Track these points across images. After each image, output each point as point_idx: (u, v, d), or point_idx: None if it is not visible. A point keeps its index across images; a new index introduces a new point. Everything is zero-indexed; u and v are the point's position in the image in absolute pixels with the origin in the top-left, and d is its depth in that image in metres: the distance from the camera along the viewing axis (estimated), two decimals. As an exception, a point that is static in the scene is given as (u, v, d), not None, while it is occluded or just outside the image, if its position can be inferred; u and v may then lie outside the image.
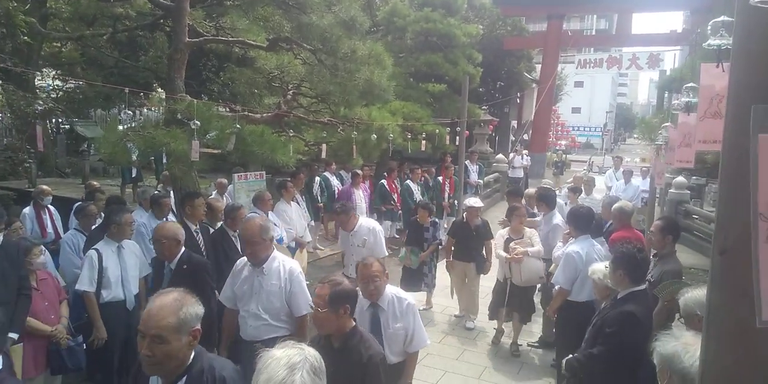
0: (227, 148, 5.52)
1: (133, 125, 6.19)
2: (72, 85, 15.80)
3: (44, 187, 6.85)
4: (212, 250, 4.97)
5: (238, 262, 3.79)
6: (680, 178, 11.20)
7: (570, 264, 4.37)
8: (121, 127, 5.87)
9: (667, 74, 19.83)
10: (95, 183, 7.90)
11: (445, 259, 6.50)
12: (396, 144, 9.60)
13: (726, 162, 1.08)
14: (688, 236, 9.75)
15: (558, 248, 5.14)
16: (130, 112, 6.60)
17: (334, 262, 9.15)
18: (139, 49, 14.90)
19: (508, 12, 22.13)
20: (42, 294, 3.90)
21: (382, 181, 9.80)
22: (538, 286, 5.77)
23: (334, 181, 10.23)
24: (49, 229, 6.50)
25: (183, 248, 3.97)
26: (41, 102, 11.07)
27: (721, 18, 2.14)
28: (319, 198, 9.55)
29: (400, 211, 9.77)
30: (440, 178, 10.44)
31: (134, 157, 5.49)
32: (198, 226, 5.04)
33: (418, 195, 9.71)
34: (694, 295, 2.78)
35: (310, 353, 1.87)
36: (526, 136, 23.03)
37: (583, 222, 4.62)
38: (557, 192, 8.25)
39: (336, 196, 9.84)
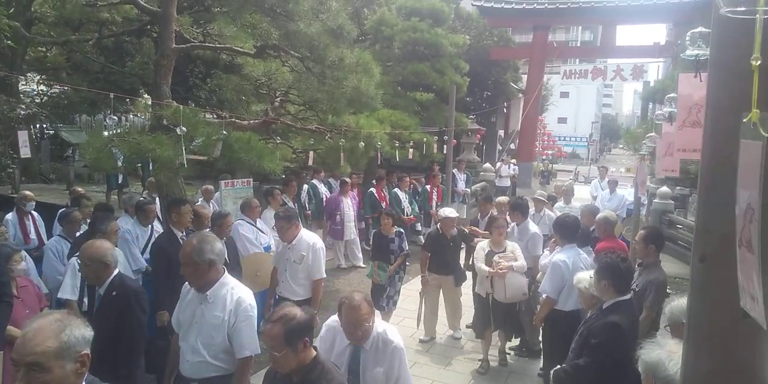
0: (214, 155, 5.48)
1: (119, 131, 6.14)
2: (57, 90, 15.65)
3: (27, 192, 6.76)
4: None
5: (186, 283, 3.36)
6: (664, 189, 11.34)
7: (556, 273, 4.39)
8: (106, 133, 5.83)
9: (651, 85, 20.14)
10: (80, 189, 7.81)
11: (421, 275, 6.16)
12: (384, 152, 9.61)
13: (705, 170, 1.10)
14: (673, 246, 9.86)
15: (545, 257, 5.17)
16: (115, 117, 6.54)
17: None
18: (125, 54, 14.81)
19: (495, 23, 22.35)
20: (23, 301, 3.84)
21: (372, 189, 9.80)
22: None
23: (322, 189, 10.21)
24: (32, 235, 6.41)
25: (116, 272, 3.45)
26: (24, 107, 10.94)
27: (699, 29, 2.19)
28: (306, 206, 9.52)
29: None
30: (428, 187, 10.48)
31: (119, 163, 5.45)
32: (184, 234, 5.00)
33: (406, 203, 9.72)
34: (681, 303, 2.80)
35: None
36: (513, 146, 23.21)
37: (568, 231, 4.65)
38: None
39: (324, 203, 9.83)
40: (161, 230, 5.67)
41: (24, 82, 14.65)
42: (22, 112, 10.02)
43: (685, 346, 1.09)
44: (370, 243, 8.93)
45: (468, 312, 6.21)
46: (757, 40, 0.88)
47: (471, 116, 19.78)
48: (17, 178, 11.84)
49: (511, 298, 5.13)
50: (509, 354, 5.58)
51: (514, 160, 17.80)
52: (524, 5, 22.07)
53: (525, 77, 23.70)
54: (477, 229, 6.68)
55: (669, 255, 9.23)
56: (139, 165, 8.63)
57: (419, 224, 10.50)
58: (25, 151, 5.22)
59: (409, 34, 14.23)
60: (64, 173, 14.12)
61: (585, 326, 3.46)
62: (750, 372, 0.95)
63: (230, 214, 5.48)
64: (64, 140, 15.82)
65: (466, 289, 6.36)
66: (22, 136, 5.13)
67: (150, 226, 5.74)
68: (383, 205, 9.51)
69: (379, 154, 9.24)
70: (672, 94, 3.61)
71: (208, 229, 5.36)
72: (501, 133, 27.61)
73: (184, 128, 5.11)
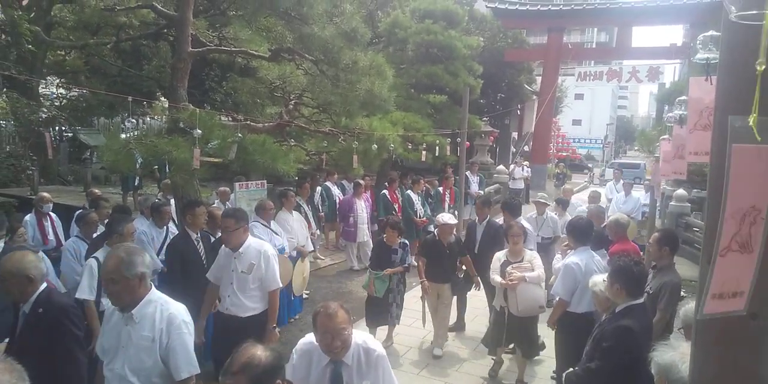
0: (229, 157, 5.55)
1: (136, 133, 6.24)
2: (76, 94, 15.90)
3: (44, 194, 6.89)
4: (213, 259, 4.98)
5: (106, 305, 3.04)
6: (681, 191, 11.23)
7: (569, 275, 4.37)
8: (124, 136, 5.92)
9: (666, 87, 19.94)
10: (97, 191, 7.94)
11: (420, 281, 5.85)
12: (397, 154, 9.63)
13: (714, 173, 1.10)
14: (689, 249, 9.75)
15: (558, 260, 5.15)
16: (133, 120, 6.64)
17: (335, 272, 9.16)
18: (142, 58, 15.01)
19: (509, 24, 22.31)
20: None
21: (384, 191, 9.83)
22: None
23: (336, 191, 10.27)
24: (51, 236, 6.54)
25: (43, 286, 3.05)
26: (45, 110, 11.14)
27: (710, 32, 2.19)
28: (320, 207, 9.57)
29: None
30: (441, 189, 10.48)
31: (138, 165, 5.54)
32: (199, 235, 5.06)
33: (418, 205, 9.73)
34: (695, 306, 2.79)
35: None
36: (526, 148, 23.11)
37: (581, 233, 4.63)
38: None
39: (337, 205, 9.88)
40: (176, 232, 5.74)
41: (44, 86, 14.91)
42: (43, 116, 10.20)
43: (692, 350, 1.09)
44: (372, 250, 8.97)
45: (474, 326, 6.07)
46: (763, 45, 0.88)
47: (484, 118, 19.75)
48: (36, 179, 12.04)
49: (524, 312, 4.83)
50: (526, 383, 5.14)
51: (527, 163, 17.73)
52: (539, 7, 22.01)
53: (539, 79, 23.61)
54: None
55: (685, 258, 9.13)
56: (156, 167, 8.72)
57: (432, 226, 10.50)
58: (50, 153, 5.33)
59: (422, 36, 14.25)
60: (81, 175, 14.31)
61: (598, 329, 3.45)
62: (757, 376, 0.96)
63: (245, 216, 5.52)
64: (82, 143, 16.04)
65: (481, 302, 6.27)
66: (48, 138, 5.24)
67: (165, 227, 5.82)
68: (396, 207, 9.53)
69: (392, 156, 9.26)
70: (683, 97, 3.60)
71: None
72: (515, 135, 27.53)
73: (199, 131, 5.18)
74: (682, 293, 4.10)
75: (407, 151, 10.01)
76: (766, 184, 0.95)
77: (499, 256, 5.15)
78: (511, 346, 5.23)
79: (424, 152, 11.07)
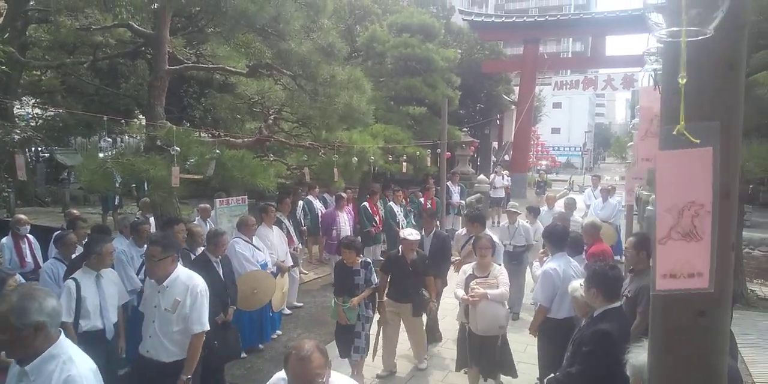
0: (207, 174, 5.54)
1: (114, 152, 6.20)
2: (52, 113, 15.75)
3: (21, 216, 6.78)
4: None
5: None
6: (657, 195, 11.42)
7: (548, 281, 4.42)
8: (101, 155, 5.89)
9: (638, 95, 20.32)
10: (75, 211, 7.83)
11: (378, 301, 5.35)
12: (378, 166, 9.70)
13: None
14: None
15: (536, 267, 5.21)
16: (109, 139, 6.60)
17: (319, 286, 9.12)
18: (120, 76, 14.95)
19: (486, 36, 22.69)
20: (18, 324, 3.83)
21: (365, 203, 9.87)
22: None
23: (318, 205, 10.27)
24: (28, 258, 6.43)
25: None
26: (18, 131, 11.00)
27: (656, 45, 2.28)
28: (302, 221, 9.56)
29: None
30: (422, 200, 10.55)
31: (117, 184, 5.50)
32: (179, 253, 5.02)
33: (401, 217, 9.78)
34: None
35: None
36: (507, 157, 23.36)
37: (558, 239, 4.70)
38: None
39: (319, 219, 9.88)
40: (157, 250, 5.69)
41: (19, 106, 14.74)
42: (17, 137, 10.08)
43: (650, 344, 1.15)
44: (371, 257, 8.96)
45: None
46: (682, 60, 0.95)
47: (464, 129, 19.97)
48: (12, 201, 11.85)
49: (483, 331, 4.55)
50: None
51: (506, 172, 17.93)
52: (514, 18, 22.45)
53: (517, 89, 23.97)
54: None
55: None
56: (134, 186, 8.66)
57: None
58: (21, 175, 5.24)
59: (400, 49, 14.44)
60: (59, 196, 14.14)
61: (578, 334, 3.50)
62: (708, 367, 1.01)
63: (226, 233, 5.51)
64: (59, 163, 15.87)
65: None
66: (19, 160, 5.16)
67: (145, 246, 5.77)
68: (377, 219, 9.56)
69: (372, 168, 9.31)
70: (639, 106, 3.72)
71: (203, 248, 5.40)
72: (495, 144, 27.83)
73: (177, 148, 5.17)
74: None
75: (388, 162, 10.07)
76: (701, 181, 1.05)
77: (466, 269, 4.88)
78: None
79: (405, 164, 11.15)
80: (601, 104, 75.61)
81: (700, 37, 0.99)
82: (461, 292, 4.67)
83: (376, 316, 5.47)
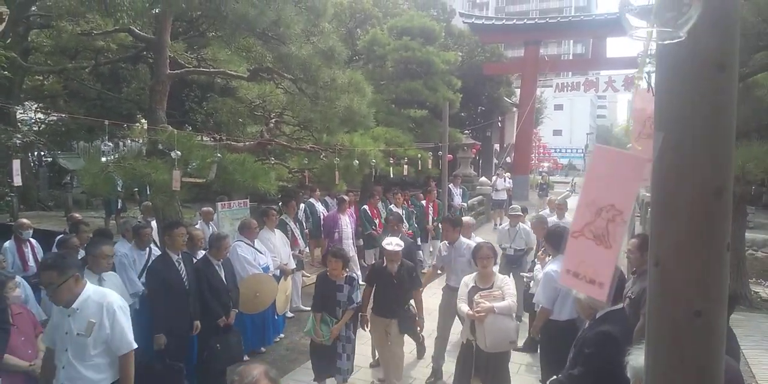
0: (209, 177, 5.55)
1: (116, 156, 6.22)
2: (54, 118, 15.83)
3: (24, 220, 6.80)
4: (195, 280, 4.96)
5: None
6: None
7: (549, 283, 4.42)
8: (103, 159, 5.90)
9: (641, 96, 20.32)
10: (77, 215, 7.86)
11: (361, 315, 4.97)
12: (380, 169, 9.71)
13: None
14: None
15: (538, 270, 5.20)
16: (110, 144, 6.63)
17: (320, 289, 9.10)
18: (121, 80, 15.02)
19: (486, 39, 22.72)
20: (18, 329, 3.84)
21: (365, 206, 9.88)
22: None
23: (319, 208, 10.28)
24: (31, 262, 6.44)
25: None
26: (21, 135, 11.05)
27: (650, 46, 2.29)
28: (304, 224, 9.57)
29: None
30: (423, 202, 10.55)
31: (119, 188, 5.52)
32: (180, 256, 5.04)
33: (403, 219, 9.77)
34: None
35: None
36: (509, 159, 23.36)
37: (559, 241, 4.69)
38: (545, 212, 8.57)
39: (321, 222, 9.88)
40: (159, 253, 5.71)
41: (22, 111, 14.81)
42: (19, 142, 10.12)
43: (646, 345, 1.15)
44: (370, 261, 8.97)
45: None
46: (641, 61, 0.98)
47: (466, 131, 19.98)
48: (15, 206, 11.89)
49: (492, 347, 4.23)
50: None
51: (508, 174, 17.93)
52: (514, 21, 22.48)
53: (518, 91, 23.99)
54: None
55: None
56: (136, 189, 8.69)
57: (419, 239, 10.55)
58: (17, 180, 5.24)
59: (401, 52, 14.47)
60: (62, 200, 14.18)
61: (581, 336, 3.49)
62: (705, 369, 1.01)
63: (228, 236, 5.52)
64: (62, 167, 15.93)
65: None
66: (15, 165, 5.18)
67: (148, 249, 5.79)
68: (376, 221, 9.57)
69: (374, 171, 9.32)
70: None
71: (203, 251, 5.42)
72: (496, 146, 27.83)
73: (179, 152, 5.19)
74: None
75: (389, 165, 10.09)
76: (627, 188, 1.10)
77: (467, 282, 4.54)
78: None
79: (406, 166, 11.16)
80: (603, 106, 75.63)
81: (676, 40, 1.01)
82: (465, 307, 4.34)
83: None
